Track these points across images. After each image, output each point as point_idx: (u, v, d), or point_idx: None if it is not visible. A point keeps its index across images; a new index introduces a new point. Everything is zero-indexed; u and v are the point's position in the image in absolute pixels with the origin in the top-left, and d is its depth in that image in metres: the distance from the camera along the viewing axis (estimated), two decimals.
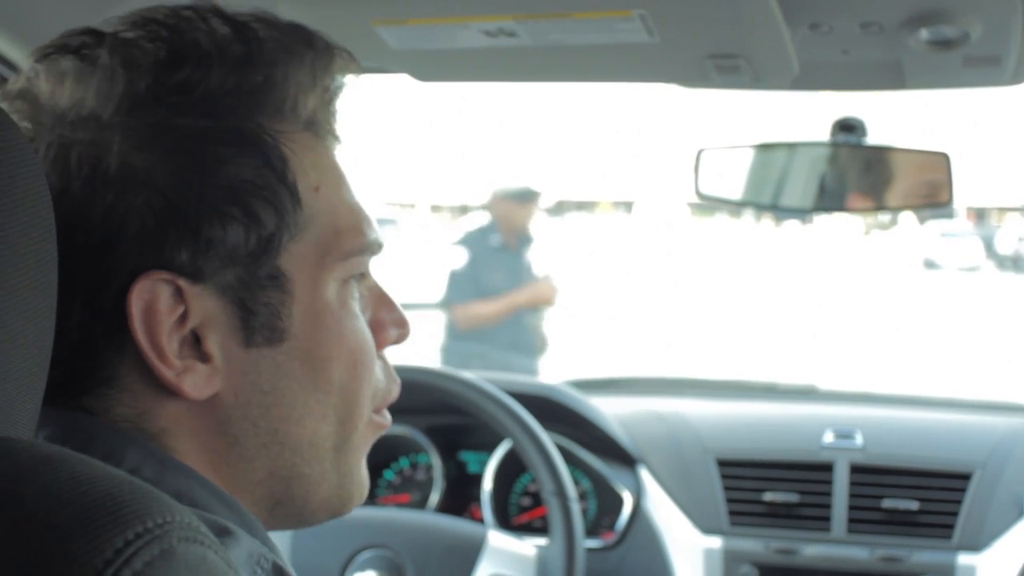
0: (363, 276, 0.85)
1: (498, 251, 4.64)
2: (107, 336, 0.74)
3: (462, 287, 4.60)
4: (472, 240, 4.67)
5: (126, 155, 0.73)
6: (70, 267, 0.70)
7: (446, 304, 4.64)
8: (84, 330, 0.73)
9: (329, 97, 0.82)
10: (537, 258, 4.76)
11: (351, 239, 0.81)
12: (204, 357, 0.75)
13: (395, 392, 0.88)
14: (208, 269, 0.74)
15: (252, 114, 0.77)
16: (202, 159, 0.74)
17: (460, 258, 4.60)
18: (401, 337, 0.89)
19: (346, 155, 0.85)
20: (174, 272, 0.73)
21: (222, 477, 0.77)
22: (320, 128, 0.82)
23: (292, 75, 0.78)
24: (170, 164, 0.73)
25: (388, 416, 0.89)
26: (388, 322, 0.88)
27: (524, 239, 4.70)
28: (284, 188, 0.77)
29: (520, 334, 4.84)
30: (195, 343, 0.75)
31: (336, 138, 0.83)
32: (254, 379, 0.77)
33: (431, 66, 1.45)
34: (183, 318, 0.74)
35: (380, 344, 0.87)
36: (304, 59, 0.79)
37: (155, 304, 0.73)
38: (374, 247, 0.83)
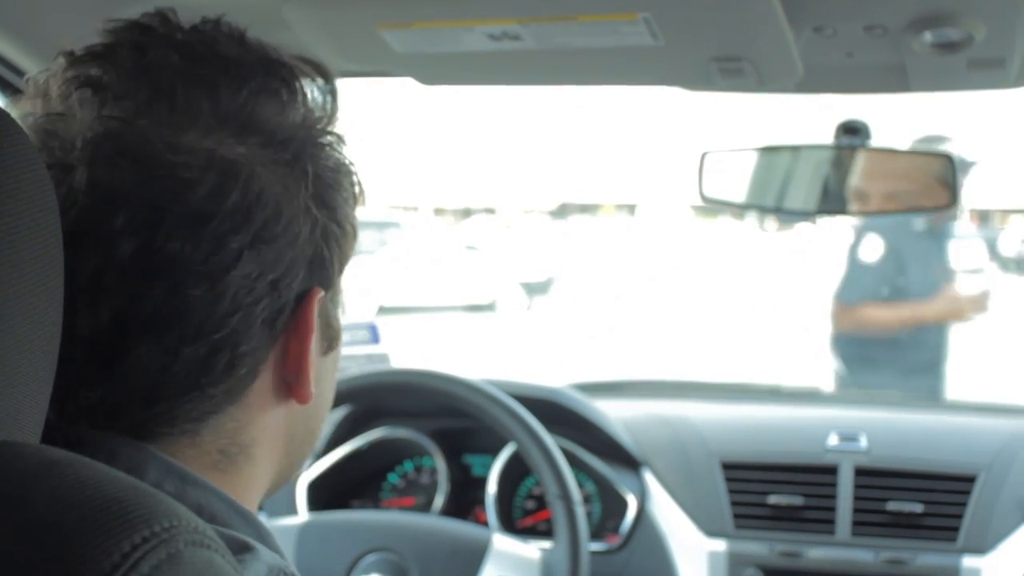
0: None
1: (921, 237, 3.79)
2: (267, 354, 0.77)
3: (865, 282, 3.79)
4: (889, 228, 3.77)
5: (294, 184, 0.76)
6: (254, 290, 0.73)
7: (842, 298, 3.89)
8: (258, 351, 0.75)
9: None
10: (962, 250, 3.89)
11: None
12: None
13: None
14: (332, 283, 0.81)
15: (344, 142, 0.82)
16: (338, 186, 0.80)
17: (874, 248, 3.76)
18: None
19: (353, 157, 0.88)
20: (329, 291, 0.80)
21: (273, 474, 0.83)
22: None
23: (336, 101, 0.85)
24: (322, 191, 0.78)
25: None
26: None
27: (948, 222, 3.86)
28: (358, 201, 0.84)
29: (921, 350, 3.89)
30: None
31: None
32: (318, 383, 0.82)
33: (436, 69, 1.45)
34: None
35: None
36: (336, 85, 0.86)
37: (313, 318, 0.79)
38: None
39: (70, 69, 0.75)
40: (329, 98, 0.81)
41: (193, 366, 0.72)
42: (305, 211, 0.76)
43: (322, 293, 0.78)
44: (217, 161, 0.72)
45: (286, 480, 0.87)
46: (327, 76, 0.81)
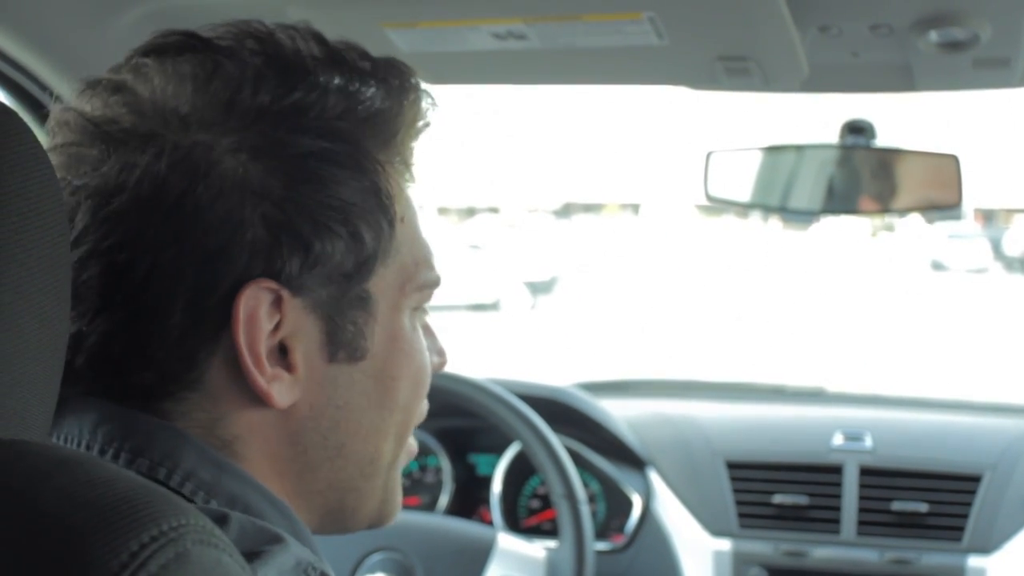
0: (422, 311, 0.88)
1: None
2: (204, 339, 0.75)
3: None
4: None
5: (245, 164, 0.74)
6: (178, 268, 0.72)
7: None
8: (184, 332, 0.73)
9: (417, 136, 0.85)
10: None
11: (425, 271, 0.84)
12: (289, 367, 0.77)
13: (425, 413, 0.91)
14: (309, 283, 0.76)
15: (362, 140, 0.79)
16: (316, 177, 0.76)
17: None
18: (440, 365, 0.93)
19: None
20: (280, 282, 0.75)
21: (285, 485, 0.79)
22: (408, 163, 0.84)
23: (403, 111, 0.81)
24: (287, 178, 0.75)
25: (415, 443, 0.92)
26: (433, 350, 0.90)
27: None
28: (384, 214, 0.79)
29: None
30: (281, 353, 0.77)
31: (413, 176, 0.86)
32: (331, 393, 0.79)
33: (440, 68, 1.45)
34: (276, 327, 0.76)
35: None
36: (411, 97, 0.82)
37: (257, 311, 0.74)
38: (439, 282, 0.87)
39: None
40: (337, 83, 0.79)
41: (119, 339, 0.73)
42: (250, 197, 0.74)
43: (271, 284, 0.74)
44: (167, 145, 0.74)
45: (343, 511, 0.84)
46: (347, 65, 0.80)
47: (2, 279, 0.59)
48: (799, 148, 1.84)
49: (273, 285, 0.74)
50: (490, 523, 2.25)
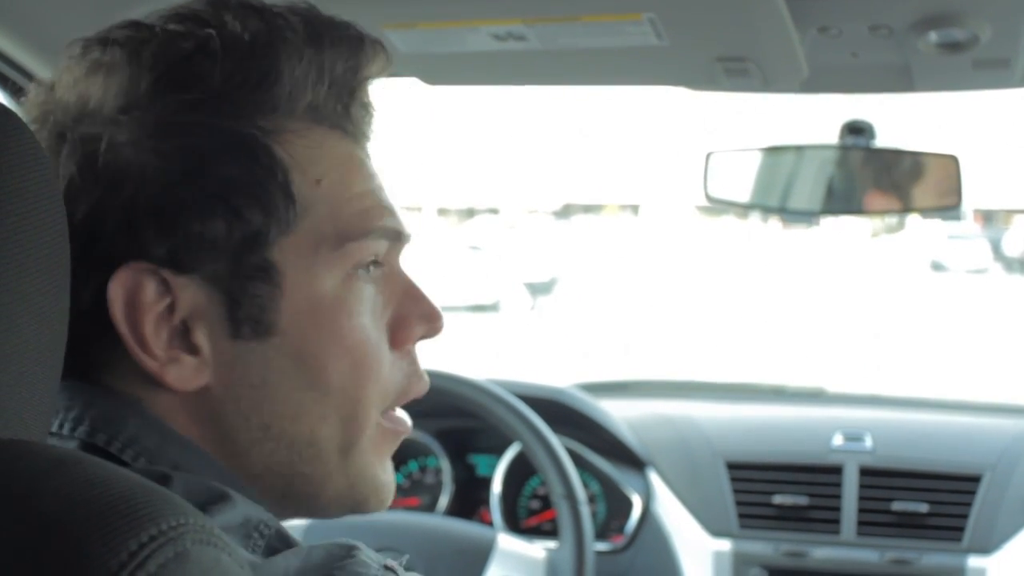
0: (379, 267, 0.83)
1: None
2: (94, 328, 0.73)
3: None
4: None
5: (121, 150, 0.73)
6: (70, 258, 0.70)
7: None
8: (87, 319, 0.72)
9: (340, 89, 0.81)
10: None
11: (352, 226, 0.79)
12: (192, 349, 0.75)
13: (417, 390, 0.86)
14: (190, 261, 0.74)
15: (251, 112, 0.76)
16: (190, 156, 0.74)
17: None
18: (431, 331, 0.86)
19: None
20: (154, 263, 0.73)
21: (229, 465, 0.77)
22: (329, 120, 0.80)
23: (293, 68, 0.77)
24: (161, 160, 0.73)
25: (403, 419, 0.87)
26: (414, 316, 0.85)
27: None
28: (274, 185, 0.76)
29: None
30: (184, 334, 0.75)
31: (350, 129, 0.82)
32: (242, 372, 0.76)
33: (440, 69, 1.45)
34: (171, 309, 0.74)
35: (405, 340, 0.84)
36: (304, 51, 0.78)
37: (138, 294, 0.73)
38: (388, 234, 0.81)
39: None
40: (227, 50, 0.76)
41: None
42: (127, 183, 0.73)
43: (145, 266, 0.73)
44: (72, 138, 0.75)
45: (295, 496, 0.81)
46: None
47: (0, 279, 0.59)
48: (799, 149, 1.84)
49: (147, 266, 0.73)
50: (490, 524, 2.25)
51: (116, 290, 0.73)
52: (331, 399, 0.79)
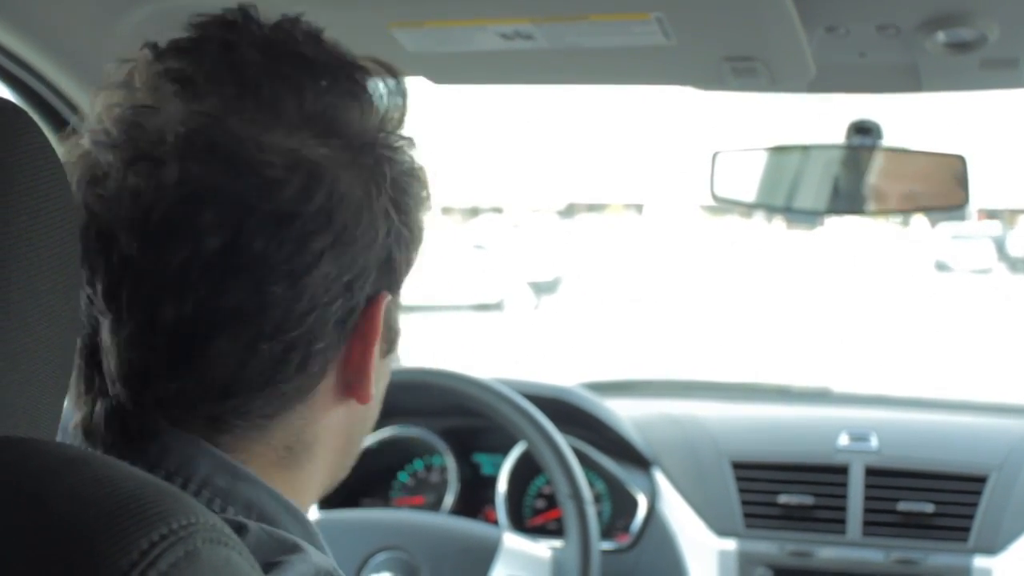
0: None
1: None
2: (334, 353, 0.77)
3: None
4: None
5: (370, 187, 0.77)
6: (330, 291, 0.74)
7: None
8: (328, 352, 0.76)
9: None
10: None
11: None
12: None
13: None
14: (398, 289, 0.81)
15: (411, 150, 0.82)
16: (410, 191, 0.80)
17: None
18: None
19: None
20: (395, 295, 0.81)
21: (329, 473, 0.83)
22: None
23: (406, 110, 0.84)
24: (395, 196, 0.78)
25: None
26: None
27: None
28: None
29: None
30: None
31: None
32: (376, 384, 0.82)
33: (447, 68, 1.45)
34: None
35: None
36: (406, 96, 0.84)
37: (379, 322, 0.79)
38: None
39: (156, 63, 0.76)
40: (399, 99, 0.81)
41: (269, 362, 0.73)
42: (383, 215, 0.77)
43: (389, 297, 0.79)
44: (303, 162, 0.73)
45: (337, 479, 0.87)
46: (397, 76, 0.82)
47: (11, 278, 0.59)
48: (805, 148, 1.84)
49: (390, 297, 0.80)
50: (495, 523, 2.25)
51: (379, 318, 0.79)
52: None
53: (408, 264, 0.81)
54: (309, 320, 0.73)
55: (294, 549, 0.70)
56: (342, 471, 0.86)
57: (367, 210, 0.75)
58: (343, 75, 0.78)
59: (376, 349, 0.79)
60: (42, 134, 0.63)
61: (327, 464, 0.82)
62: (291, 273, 0.72)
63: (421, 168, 0.82)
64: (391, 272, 0.79)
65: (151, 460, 0.73)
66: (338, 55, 0.79)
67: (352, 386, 0.79)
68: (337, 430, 0.81)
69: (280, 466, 0.78)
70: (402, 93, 0.82)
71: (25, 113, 0.63)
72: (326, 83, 0.76)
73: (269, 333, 0.72)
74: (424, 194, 0.82)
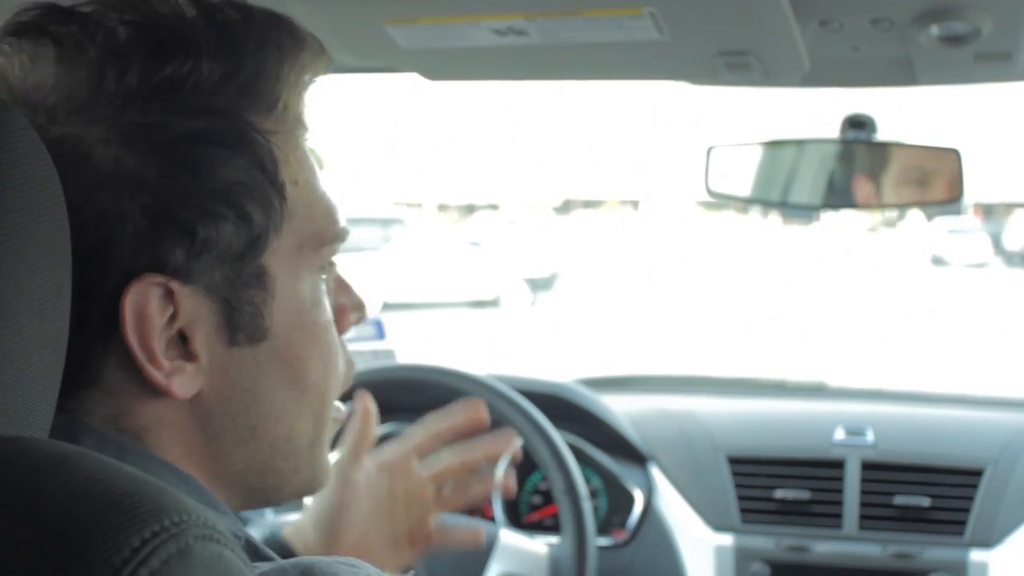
0: (331, 265, 0.85)
1: None
2: (95, 338, 0.73)
3: None
4: None
5: (118, 154, 0.71)
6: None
7: None
8: (72, 333, 0.69)
9: (305, 89, 0.81)
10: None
11: (324, 227, 0.81)
12: (190, 356, 0.75)
13: (351, 374, 0.88)
14: (198, 270, 0.73)
15: (241, 112, 0.75)
16: (195, 161, 0.73)
17: None
18: (360, 319, 0.90)
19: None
20: (167, 275, 0.72)
21: (201, 471, 0.78)
22: (300, 119, 0.81)
23: (279, 70, 0.77)
24: (163, 165, 0.72)
25: (340, 407, 0.90)
26: (349, 306, 0.88)
27: None
28: (273, 187, 0.76)
29: None
30: (181, 342, 0.75)
31: (307, 127, 0.82)
32: (235, 378, 0.77)
33: (441, 65, 1.45)
34: (172, 319, 0.74)
35: (343, 329, 0.88)
36: (288, 52, 0.78)
37: (146, 306, 0.72)
38: (343, 235, 0.83)
39: None
40: (211, 48, 0.74)
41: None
42: (127, 189, 0.71)
43: (158, 279, 0.72)
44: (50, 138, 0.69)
45: (264, 490, 0.83)
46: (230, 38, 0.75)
47: (2, 275, 0.59)
48: (800, 143, 1.84)
49: (160, 279, 0.72)
50: (491, 519, 2.25)
51: (130, 303, 0.72)
52: (307, 396, 0.82)
53: (204, 241, 0.73)
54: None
55: None
56: (247, 476, 0.80)
57: (94, 183, 0.70)
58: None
59: (200, 336, 0.74)
60: (32, 131, 0.63)
61: (190, 462, 0.77)
62: None
63: (206, 134, 0.73)
64: (156, 251, 0.72)
65: None
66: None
67: (150, 379, 0.73)
68: (177, 424, 0.76)
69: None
70: (222, 54, 0.74)
71: (14, 110, 0.63)
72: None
73: None
74: (241, 167, 0.74)
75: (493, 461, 1.42)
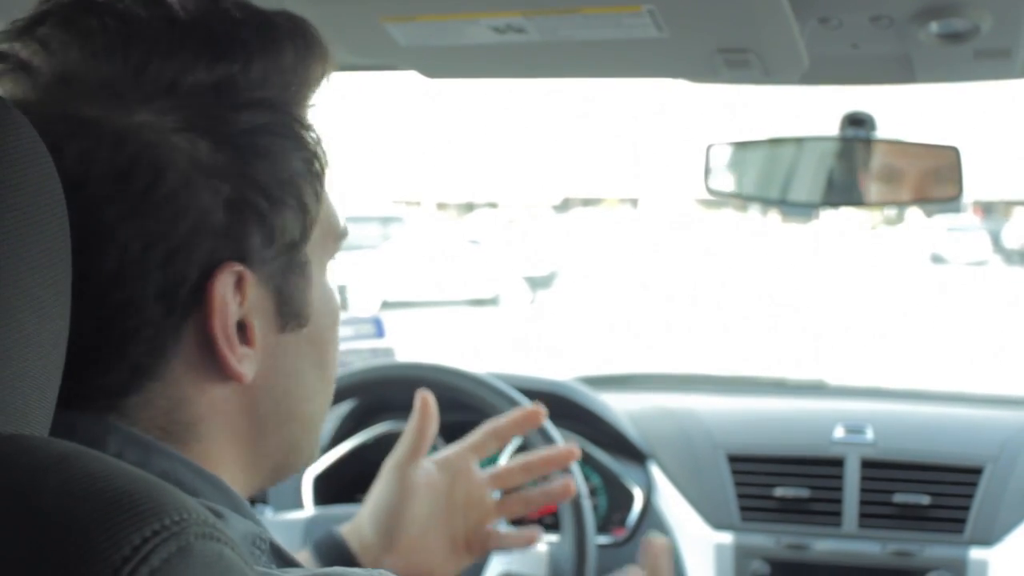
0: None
1: None
2: (176, 328, 0.74)
3: None
4: None
5: (196, 145, 0.73)
6: (140, 261, 0.71)
7: None
8: (158, 324, 0.72)
9: (320, 87, 0.84)
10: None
11: (338, 219, 0.86)
12: (248, 342, 0.77)
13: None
14: (267, 258, 0.76)
15: (290, 107, 0.78)
16: (268, 151, 0.76)
17: None
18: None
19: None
20: (245, 263, 0.75)
21: (240, 454, 0.80)
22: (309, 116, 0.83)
23: (310, 69, 0.80)
24: (238, 156, 0.74)
25: None
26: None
27: None
28: (319, 179, 0.80)
29: None
30: (239, 329, 0.76)
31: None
32: (280, 363, 0.80)
33: (439, 63, 1.45)
34: (238, 306, 0.76)
35: None
36: (315, 52, 0.80)
37: (226, 295, 0.74)
38: (346, 231, 0.88)
39: None
40: (270, 60, 0.77)
41: (87, 340, 0.70)
42: (208, 180, 0.73)
43: (239, 267, 0.74)
44: (106, 129, 0.71)
45: (285, 467, 0.85)
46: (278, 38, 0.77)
47: (1, 274, 0.59)
48: (799, 141, 1.83)
49: (239, 267, 0.74)
50: None
51: (217, 292, 0.73)
52: (328, 376, 0.86)
53: (275, 232, 0.76)
54: (119, 295, 0.71)
55: (215, 515, 0.69)
56: (280, 457, 0.84)
57: (178, 173, 0.72)
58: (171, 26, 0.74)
59: (257, 323, 0.77)
60: (31, 129, 0.63)
61: (232, 447, 0.79)
62: (88, 246, 0.69)
63: (289, 132, 0.77)
64: (237, 240, 0.74)
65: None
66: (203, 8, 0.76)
67: (213, 364, 0.75)
68: (228, 410, 0.78)
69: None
70: (275, 53, 0.77)
71: (13, 108, 0.63)
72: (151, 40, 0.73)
73: (88, 309, 0.70)
74: (301, 160, 0.78)
75: (559, 470, 1.43)
